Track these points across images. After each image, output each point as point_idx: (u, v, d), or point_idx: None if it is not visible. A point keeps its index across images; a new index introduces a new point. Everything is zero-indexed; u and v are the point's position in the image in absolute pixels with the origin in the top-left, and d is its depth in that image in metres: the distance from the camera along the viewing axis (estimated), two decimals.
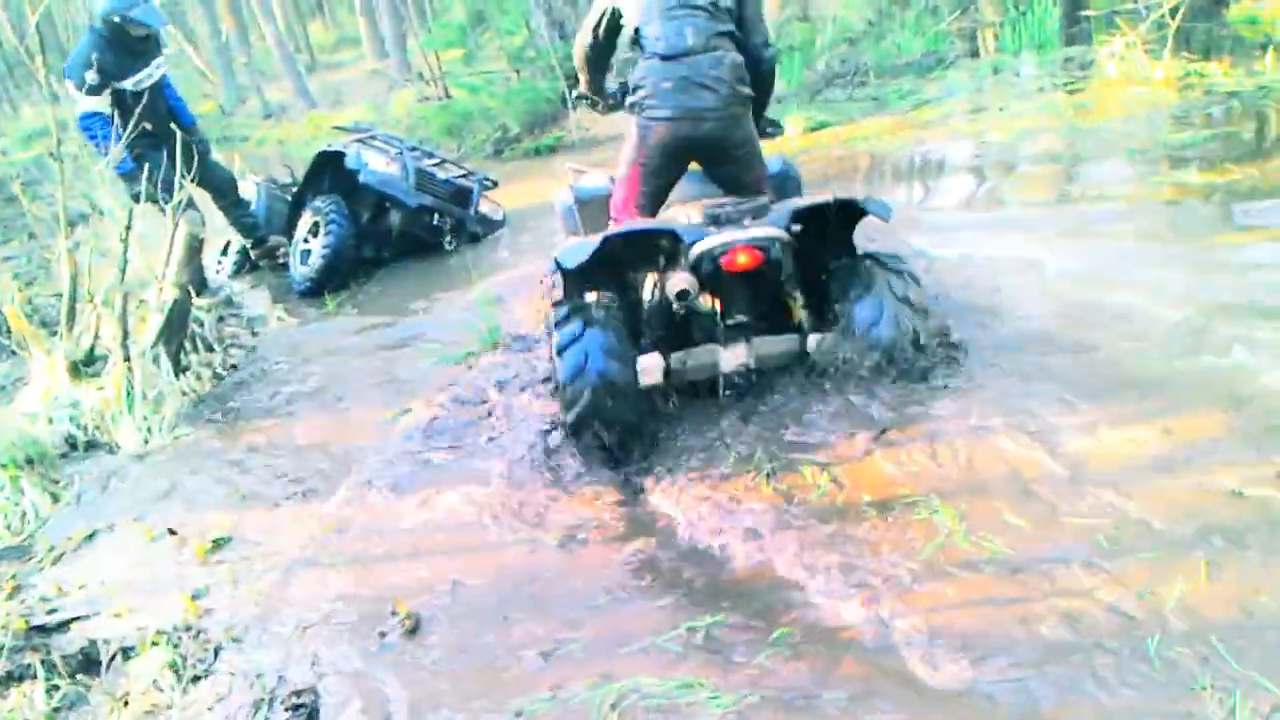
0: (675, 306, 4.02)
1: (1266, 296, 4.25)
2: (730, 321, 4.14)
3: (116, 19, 6.50)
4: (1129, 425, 3.53)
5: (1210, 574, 2.76)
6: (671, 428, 4.20)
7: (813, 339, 4.15)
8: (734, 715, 2.57)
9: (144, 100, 6.48)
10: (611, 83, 4.85)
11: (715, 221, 4.01)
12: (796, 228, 3.99)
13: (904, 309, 3.94)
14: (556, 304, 4.08)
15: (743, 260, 3.85)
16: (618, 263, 4.21)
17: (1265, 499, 3.02)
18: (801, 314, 4.27)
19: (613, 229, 4.28)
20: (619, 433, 3.95)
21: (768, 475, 3.67)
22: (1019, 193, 6.41)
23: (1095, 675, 2.50)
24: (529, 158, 11.10)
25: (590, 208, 5.01)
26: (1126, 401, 3.68)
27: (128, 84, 6.65)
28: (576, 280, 4.17)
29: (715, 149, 4.32)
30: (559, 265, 4.06)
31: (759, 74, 4.40)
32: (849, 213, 4.11)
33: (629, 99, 4.37)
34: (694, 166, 4.51)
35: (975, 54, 10.58)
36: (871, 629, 2.81)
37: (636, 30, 4.31)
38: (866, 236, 4.47)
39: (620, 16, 4.42)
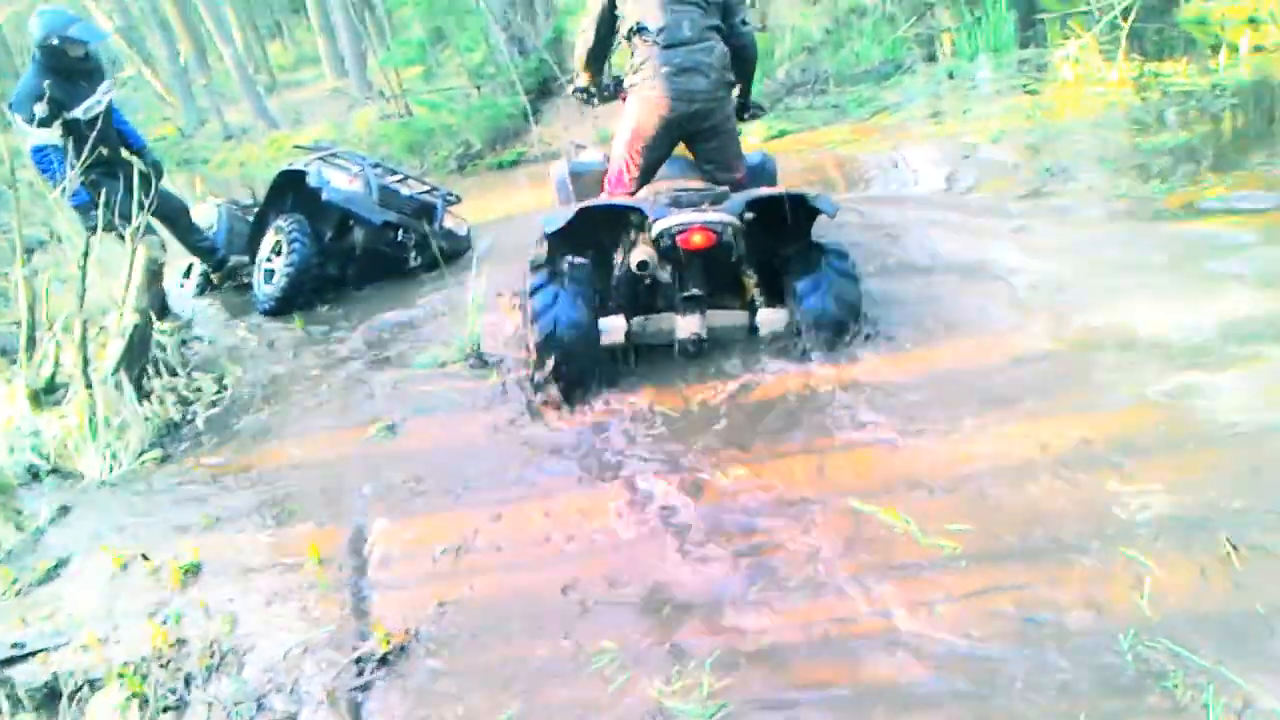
0: (636, 275, 4.61)
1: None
2: (686, 293, 4.67)
3: (55, 41, 6.35)
4: None
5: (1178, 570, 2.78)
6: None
7: (762, 314, 4.72)
8: None
9: (97, 127, 6.41)
10: (605, 76, 5.41)
11: (678, 204, 4.51)
12: (749, 215, 4.51)
13: (844, 287, 4.52)
14: (535, 265, 4.68)
15: (698, 240, 4.37)
16: (595, 233, 4.78)
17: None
18: (754, 292, 4.84)
19: (588, 201, 4.86)
20: (577, 372, 4.55)
21: None
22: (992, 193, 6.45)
23: (1066, 669, 2.51)
24: (492, 172, 11.08)
25: (583, 180, 5.54)
26: None
27: (78, 112, 6.54)
28: (558, 245, 4.71)
29: (703, 126, 4.91)
30: (543, 230, 4.64)
31: (744, 53, 5.09)
32: (799, 207, 4.57)
33: (628, 82, 4.95)
34: (679, 151, 5.10)
35: (933, 59, 10.66)
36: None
37: (637, 22, 4.84)
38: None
39: (616, 8, 4.99)
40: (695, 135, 4.98)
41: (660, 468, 3.96)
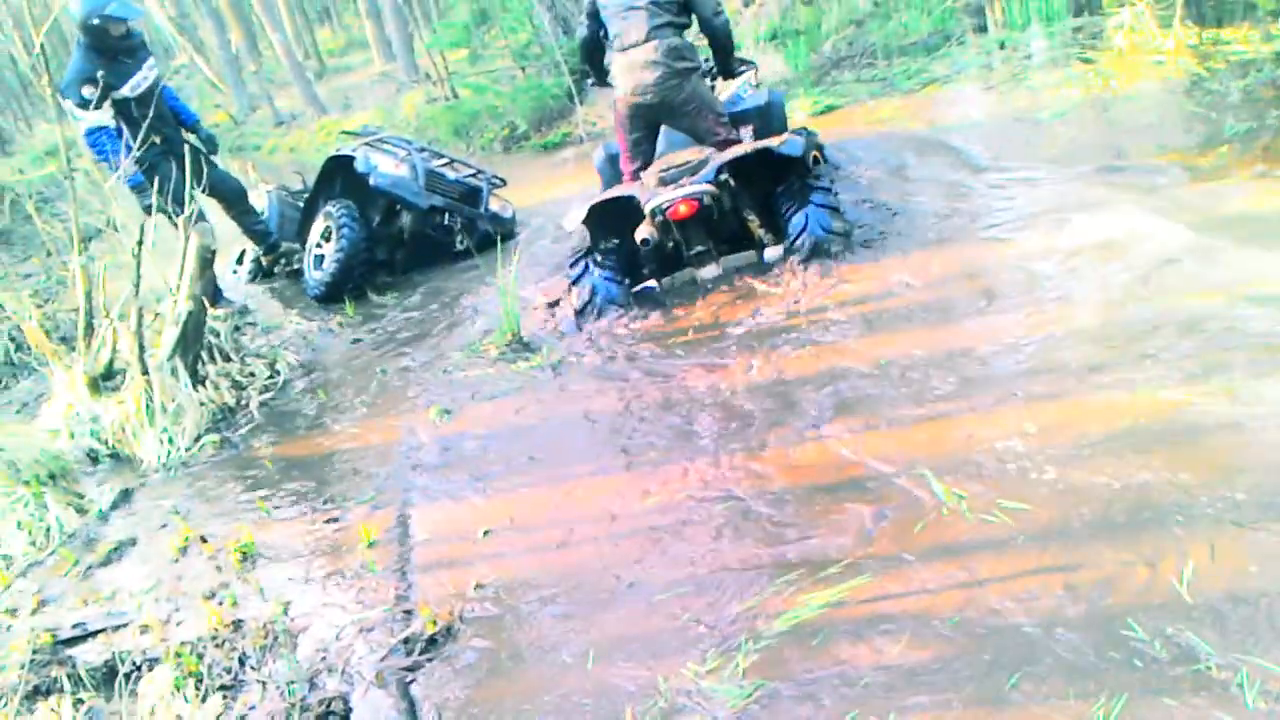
0: (643, 251, 5.51)
1: None
2: (692, 252, 5.55)
3: (95, 21, 6.37)
4: None
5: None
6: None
7: (767, 251, 5.57)
8: None
9: (149, 106, 6.49)
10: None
11: (663, 182, 5.38)
12: (724, 177, 5.28)
13: (825, 217, 5.32)
14: (576, 251, 5.81)
15: (683, 210, 5.21)
16: (615, 218, 5.58)
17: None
18: (759, 232, 5.59)
19: (594, 198, 5.64)
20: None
21: None
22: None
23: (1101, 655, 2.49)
24: (537, 154, 11.08)
25: (618, 162, 6.16)
26: None
27: (125, 90, 6.60)
28: (595, 231, 5.72)
29: (666, 113, 5.72)
30: (564, 225, 5.77)
31: (715, 41, 5.83)
32: (768, 157, 5.29)
33: (609, 80, 5.82)
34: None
35: (983, 29, 10.46)
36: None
37: (605, 29, 5.69)
38: None
39: (599, 13, 5.71)
40: (665, 118, 5.79)
41: (705, 448, 3.95)
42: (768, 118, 6.25)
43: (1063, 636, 2.58)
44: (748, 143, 5.62)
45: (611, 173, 6.35)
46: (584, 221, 5.53)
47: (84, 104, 6.43)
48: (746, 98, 6.51)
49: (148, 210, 6.37)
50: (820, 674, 2.67)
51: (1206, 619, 2.52)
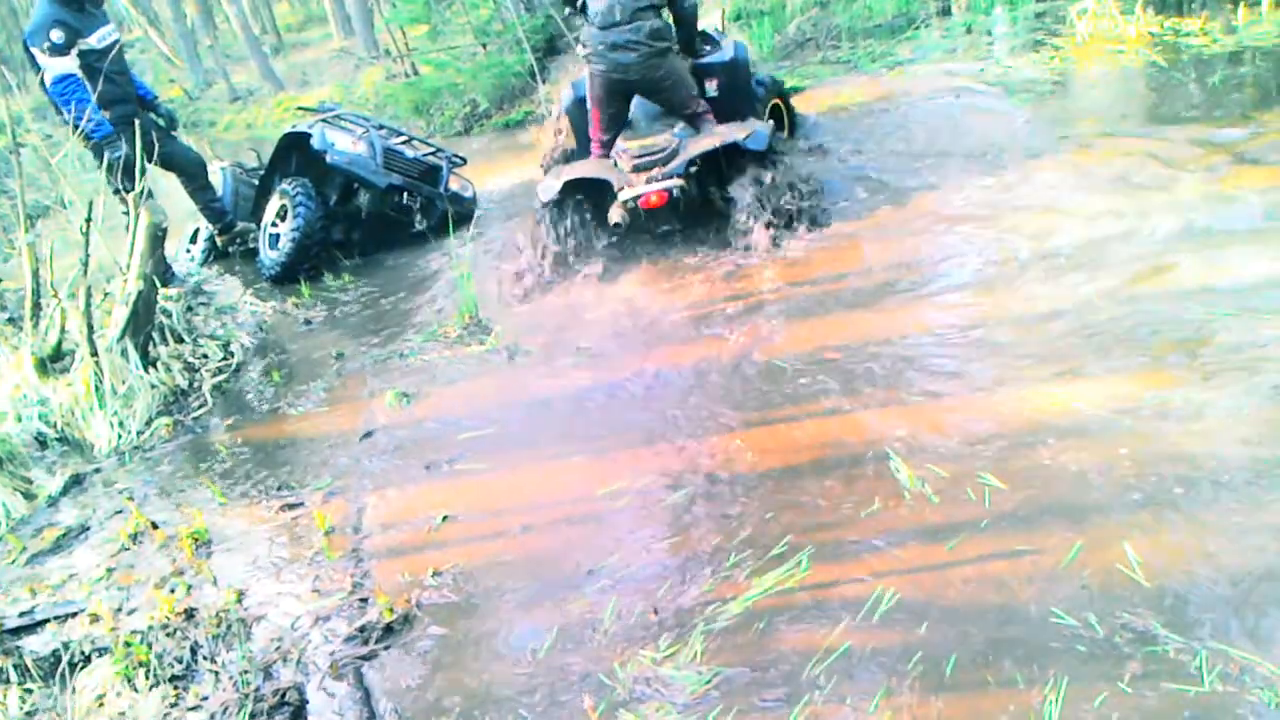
0: (616, 231, 5.99)
1: None
2: (660, 230, 6.08)
3: None
4: None
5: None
6: None
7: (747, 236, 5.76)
8: None
9: (109, 60, 6.37)
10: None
11: (636, 169, 5.77)
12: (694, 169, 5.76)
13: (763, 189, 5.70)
14: (546, 203, 6.02)
15: (654, 200, 5.65)
16: (587, 184, 5.98)
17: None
18: (721, 204, 5.94)
19: (570, 173, 5.98)
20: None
21: None
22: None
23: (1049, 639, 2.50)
24: (499, 132, 10.96)
25: (582, 104, 6.34)
26: None
27: (93, 41, 6.47)
28: (568, 189, 5.99)
29: (643, 89, 6.00)
30: (540, 198, 6.03)
31: (682, 21, 6.03)
32: (734, 151, 5.70)
33: (580, 53, 5.98)
34: None
35: (947, 12, 10.46)
36: None
37: (584, 3, 5.93)
38: None
39: None
40: (641, 92, 6.06)
41: (662, 432, 3.93)
42: (732, 73, 6.44)
43: (1015, 621, 2.60)
44: (717, 133, 5.81)
45: (579, 117, 6.45)
46: (553, 198, 5.93)
47: (54, 50, 6.29)
48: (722, 47, 6.58)
49: (110, 170, 6.24)
50: (773, 658, 2.69)
51: (1162, 603, 2.54)
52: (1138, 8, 7.85)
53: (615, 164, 5.95)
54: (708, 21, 7.21)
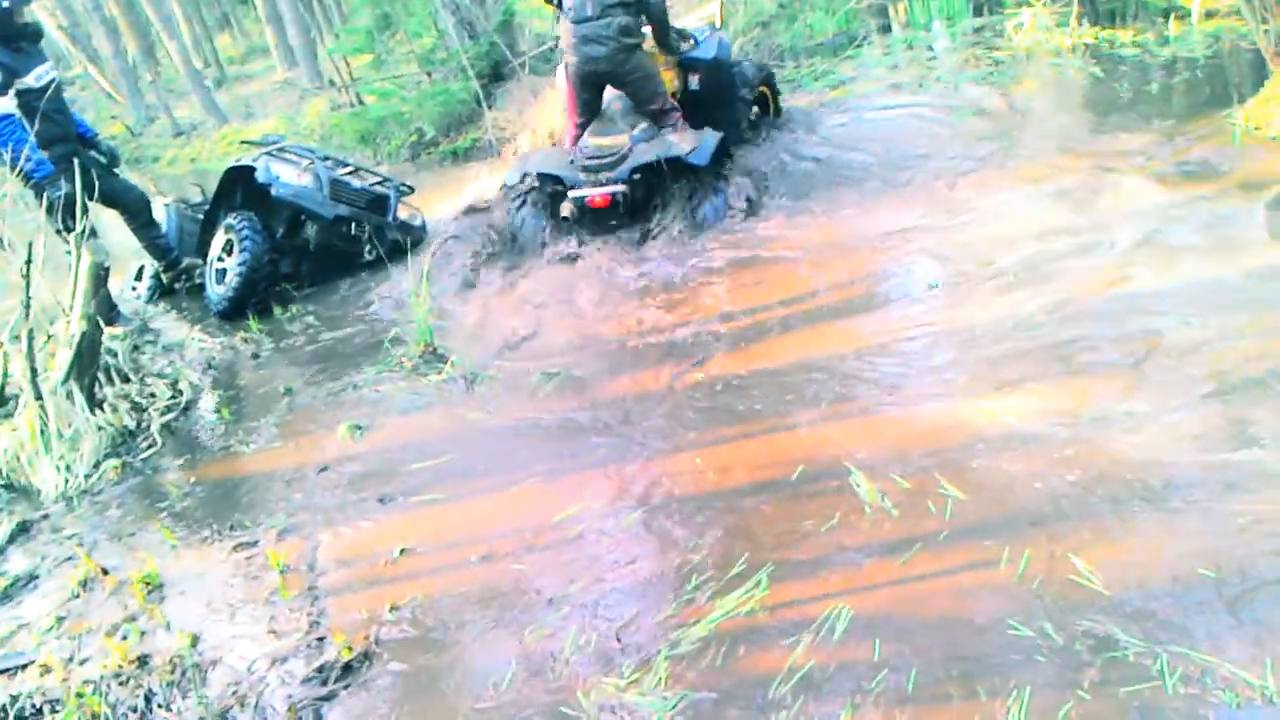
0: (564, 223, 6.53)
1: None
2: (606, 224, 6.49)
3: (5, 4, 6.20)
4: None
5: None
6: None
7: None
8: None
9: (47, 99, 6.28)
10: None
11: (587, 170, 6.33)
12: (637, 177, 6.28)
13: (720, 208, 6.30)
14: (512, 188, 6.90)
15: (599, 201, 6.24)
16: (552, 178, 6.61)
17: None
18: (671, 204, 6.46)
19: (534, 164, 6.76)
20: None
21: None
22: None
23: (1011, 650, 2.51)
24: (447, 160, 10.93)
25: None
26: None
27: (30, 80, 6.37)
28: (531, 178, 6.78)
29: (613, 81, 6.54)
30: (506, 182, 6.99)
31: (652, 20, 6.46)
32: (677, 162, 6.16)
33: (558, 46, 6.80)
34: None
35: (887, 29, 10.62)
36: None
37: (561, 1, 6.38)
38: None
39: None
40: (612, 83, 6.55)
41: (620, 456, 3.93)
42: (715, 69, 7.02)
43: (976, 633, 2.62)
44: (666, 142, 6.29)
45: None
46: (516, 183, 6.84)
47: None
48: (699, 46, 7.04)
49: (51, 210, 6.14)
50: (738, 680, 2.68)
51: (1124, 610, 2.56)
52: (1072, 20, 8.00)
53: (572, 160, 6.47)
54: (704, 14, 7.72)
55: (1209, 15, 7.52)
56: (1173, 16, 7.79)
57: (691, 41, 7.03)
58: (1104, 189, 5.16)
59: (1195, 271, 4.15)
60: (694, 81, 7.13)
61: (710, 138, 6.25)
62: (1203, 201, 4.74)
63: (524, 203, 6.83)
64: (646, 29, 6.64)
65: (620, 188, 6.21)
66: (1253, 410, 3.21)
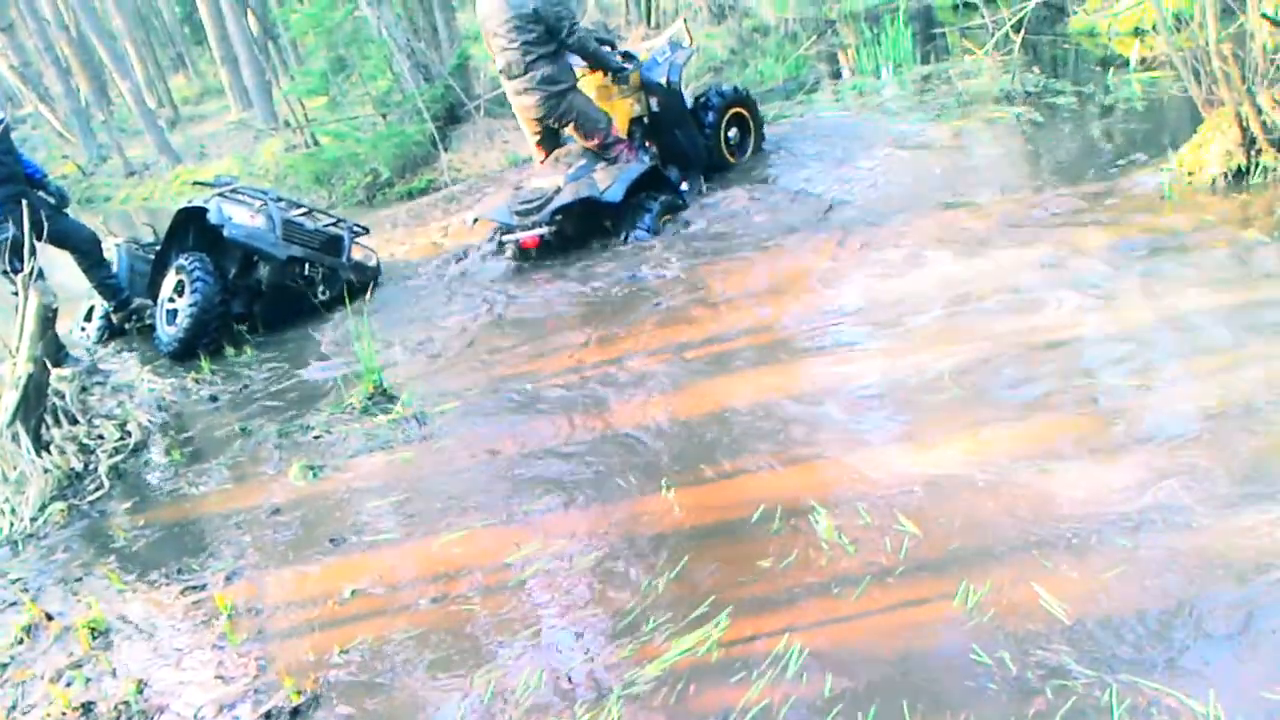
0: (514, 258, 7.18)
1: None
2: (551, 249, 7.00)
3: None
4: None
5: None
6: None
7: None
8: None
9: None
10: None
11: (519, 214, 6.83)
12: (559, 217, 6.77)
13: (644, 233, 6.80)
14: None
15: (529, 243, 6.84)
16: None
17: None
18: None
19: (479, 211, 7.67)
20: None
21: None
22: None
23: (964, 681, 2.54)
24: (402, 202, 10.95)
25: None
26: None
27: None
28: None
29: (553, 122, 6.97)
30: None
31: (584, 55, 6.87)
32: (594, 203, 6.69)
33: None
34: None
35: (837, 75, 10.83)
36: None
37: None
38: None
39: None
40: (557, 123, 6.98)
41: (573, 494, 3.93)
42: (667, 93, 7.34)
43: (929, 666, 2.64)
44: (588, 180, 6.77)
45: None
46: (474, 224, 7.64)
47: None
48: (657, 67, 7.40)
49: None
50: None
51: (1080, 639, 2.60)
52: (1015, 70, 8.21)
53: (509, 205, 7.00)
54: (671, 33, 8.05)
55: (1145, 64, 7.76)
56: (1112, 67, 8.02)
57: (634, 62, 7.33)
58: (1041, 235, 5.28)
59: (1130, 317, 4.24)
60: (654, 104, 7.45)
61: (629, 172, 6.76)
62: (1137, 248, 4.85)
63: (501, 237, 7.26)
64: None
65: (544, 230, 6.72)
66: (1195, 451, 3.28)
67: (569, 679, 2.92)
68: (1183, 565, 2.79)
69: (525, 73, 6.68)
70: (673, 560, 3.36)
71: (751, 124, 8.11)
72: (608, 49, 7.22)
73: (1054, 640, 2.62)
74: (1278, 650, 2.46)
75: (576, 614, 3.23)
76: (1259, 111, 5.15)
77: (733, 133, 7.92)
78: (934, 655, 2.68)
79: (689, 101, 7.71)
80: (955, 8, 12.47)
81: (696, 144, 7.63)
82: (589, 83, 7.23)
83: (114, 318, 7.84)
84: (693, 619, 3.04)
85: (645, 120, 7.55)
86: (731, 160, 7.95)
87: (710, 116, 7.66)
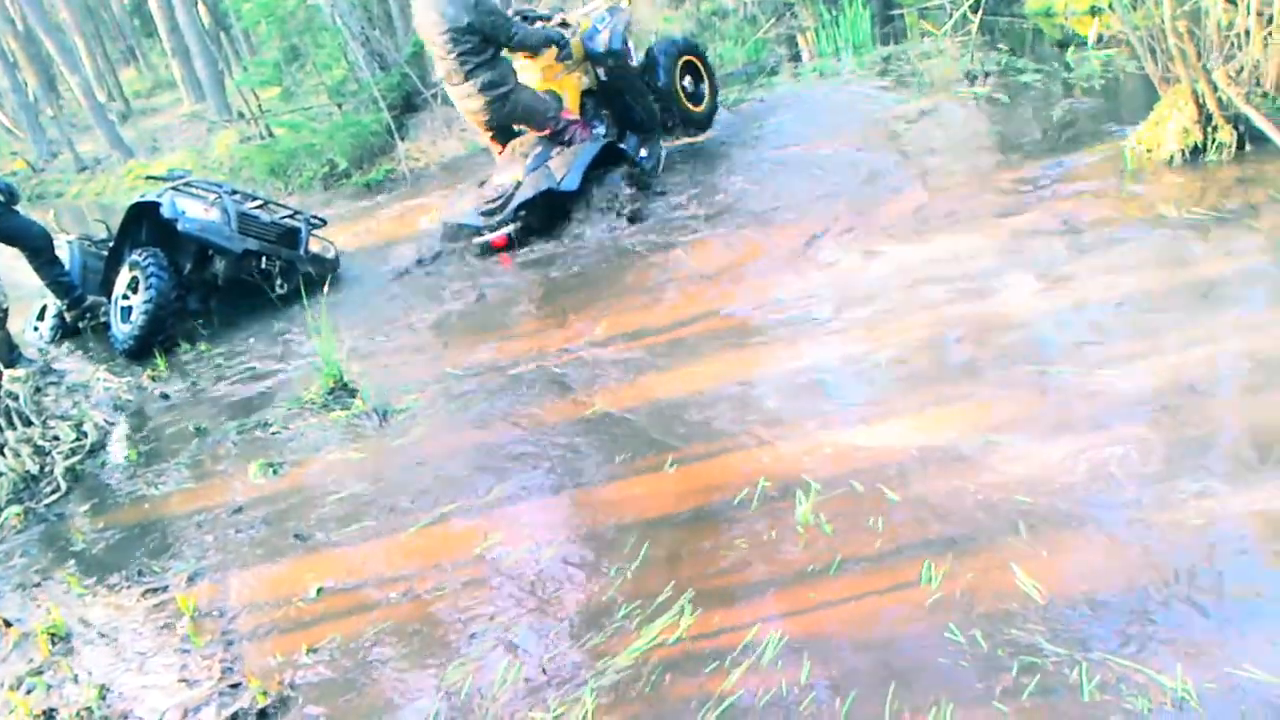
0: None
1: None
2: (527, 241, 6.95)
3: None
4: None
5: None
6: None
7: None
8: None
9: None
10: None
11: (484, 214, 6.87)
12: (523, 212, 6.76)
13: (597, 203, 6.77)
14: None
15: (498, 242, 6.82)
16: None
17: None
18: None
19: (447, 215, 7.36)
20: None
21: None
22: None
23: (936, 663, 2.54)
24: (360, 192, 10.82)
25: None
26: None
27: None
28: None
29: (501, 122, 6.96)
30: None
31: (517, 47, 6.76)
32: (553, 195, 6.66)
33: None
34: None
35: (797, 58, 10.79)
36: None
37: None
38: None
39: None
40: (506, 122, 6.98)
41: (541, 484, 3.90)
42: (614, 60, 7.20)
43: (901, 649, 2.64)
44: (545, 171, 6.69)
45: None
46: (444, 228, 7.32)
47: None
48: (598, 37, 7.18)
49: None
50: (667, 710, 2.65)
51: (1053, 619, 2.60)
52: (973, 50, 8.21)
53: (476, 206, 6.98)
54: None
55: (1102, 42, 7.78)
56: (1070, 46, 8.04)
57: (572, 30, 7.20)
58: (1002, 216, 5.28)
59: (1090, 294, 4.25)
60: (601, 73, 7.34)
61: (583, 156, 6.69)
62: (1095, 227, 4.86)
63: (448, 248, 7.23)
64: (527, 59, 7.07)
65: (509, 228, 6.76)
66: (1162, 429, 3.29)
67: (543, 671, 2.89)
68: (1146, 542, 2.80)
69: (466, 80, 6.68)
70: (643, 548, 3.33)
71: (704, 72, 8.01)
72: (542, 24, 7.12)
73: (1029, 620, 2.62)
74: (1245, 626, 2.47)
75: (548, 604, 3.20)
76: (1214, 88, 5.17)
77: (687, 81, 7.78)
78: (910, 640, 2.67)
79: (637, 60, 7.57)
80: None
81: (650, 108, 7.50)
82: (535, 65, 7.13)
83: (67, 316, 7.69)
84: (662, 606, 3.01)
85: (595, 91, 7.45)
86: (694, 110, 7.83)
87: (661, 71, 7.49)
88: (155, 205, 6.86)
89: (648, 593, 3.11)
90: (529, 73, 7.13)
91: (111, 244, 7.42)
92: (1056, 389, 3.62)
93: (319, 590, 3.60)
